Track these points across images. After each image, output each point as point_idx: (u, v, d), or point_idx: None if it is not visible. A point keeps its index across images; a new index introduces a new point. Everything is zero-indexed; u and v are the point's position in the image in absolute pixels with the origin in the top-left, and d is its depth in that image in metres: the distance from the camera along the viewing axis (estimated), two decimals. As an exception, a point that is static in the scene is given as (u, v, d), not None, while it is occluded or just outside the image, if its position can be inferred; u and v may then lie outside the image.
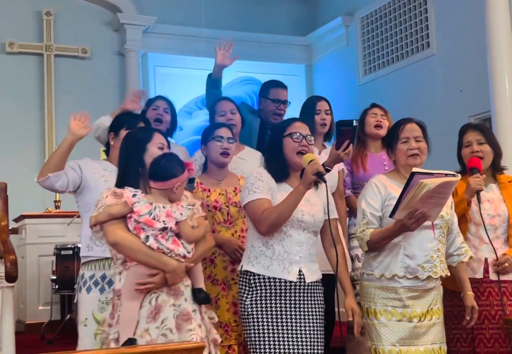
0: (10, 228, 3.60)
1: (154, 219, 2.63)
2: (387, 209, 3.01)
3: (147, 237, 2.62)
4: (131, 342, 2.54)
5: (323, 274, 3.63)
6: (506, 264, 3.26)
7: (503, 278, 3.29)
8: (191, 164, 2.79)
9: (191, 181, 3.31)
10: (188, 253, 2.70)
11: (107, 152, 3.35)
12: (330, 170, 3.55)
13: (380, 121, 4.04)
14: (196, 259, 2.75)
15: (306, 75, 9.66)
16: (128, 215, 2.64)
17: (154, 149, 2.81)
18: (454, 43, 7.15)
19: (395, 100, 7.76)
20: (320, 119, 3.94)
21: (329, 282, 3.74)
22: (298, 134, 2.99)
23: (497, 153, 3.45)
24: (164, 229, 2.65)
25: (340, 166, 3.90)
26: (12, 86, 8.00)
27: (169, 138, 4.19)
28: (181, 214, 2.69)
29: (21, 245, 5.83)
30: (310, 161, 2.86)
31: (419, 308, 2.99)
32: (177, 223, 2.67)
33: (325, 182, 2.85)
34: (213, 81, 4.43)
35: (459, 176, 2.93)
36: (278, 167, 3.02)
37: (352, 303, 3.02)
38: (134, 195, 2.66)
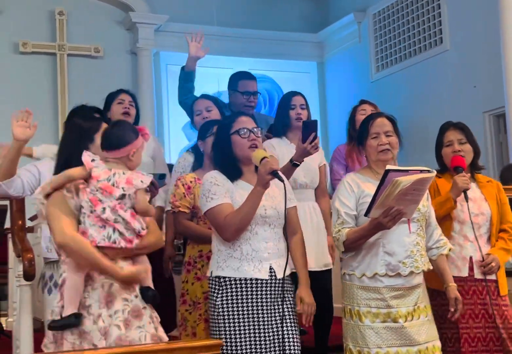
0: (26, 226, 3.62)
1: (113, 185, 2.54)
2: (362, 206, 2.96)
3: (104, 209, 2.52)
4: (75, 316, 2.46)
5: (320, 270, 3.64)
6: (493, 264, 3.22)
7: (487, 277, 3.24)
8: (144, 129, 2.70)
9: (161, 177, 3.24)
10: (143, 230, 2.60)
11: None
12: (298, 165, 3.50)
13: None
14: (143, 247, 2.63)
15: (318, 72, 9.64)
16: (82, 186, 2.53)
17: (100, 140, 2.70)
18: (467, 38, 7.11)
19: (408, 96, 7.73)
20: (295, 114, 3.89)
21: (326, 277, 3.74)
22: (245, 130, 2.91)
23: (477, 153, 3.41)
24: (122, 197, 2.55)
25: (321, 161, 3.85)
26: (26, 86, 8.04)
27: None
28: (141, 181, 2.60)
29: (37, 244, 5.84)
30: (262, 159, 2.78)
31: (404, 308, 2.93)
32: (135, 193, 2.58)
33: (281, 180, 2.78)
34: (187, 74, 4.41)
35: (435, 172, 2.88)
36: (230, 166, 2.94)
37: (302, 292, 2.92)
38: (92, 160, 2.57)
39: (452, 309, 3.05)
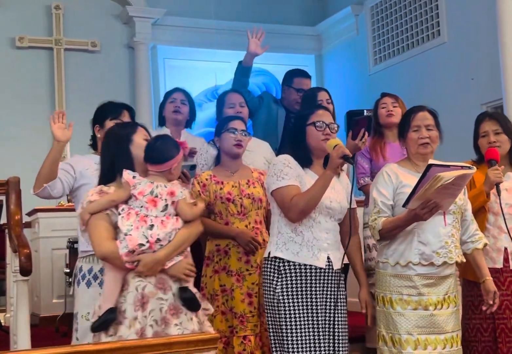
0: (23, 222, 3.61)
1: (156, 197, 2.60)
2: (399, 197, 3.01)
3: (151, 226, 2.57)
4: (111, 311, 2.50)
5: None
6: None
7: None
8: (184, 143, 2.77)
9: (192, 168, 3.32)
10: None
11: (93, 145, 3.32)
12: (348, 158, 3.57)
13: (391, 110, 4.05)
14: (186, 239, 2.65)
15: (316, 65, 9.62)
16: (127, 211, 2.59)
17: (140, 140, 2.73)
18: (465, 30, 7.09)
19: (406, 89, 7.71)
20: None
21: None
22: (321, 122, 3.01)
23: None
24: (165, 208, 2.61)
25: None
26: (23, 80, 8.02)
27: (187, 130, 4.23)
28: (181, 192, 2.67)
29: (34, 239, 5.86)
30: (335, 146, 2.86)
31: (435, 296, 2.98)
32: (173, 203, 2.64)
33: (352, 164, 2.89)
34: (243, 69, 4.42)
35: (475, 169, 2.91)
36: (302, 155, 3.04)
37: (365, 294, 3.05)
38: (134, 177, 2.63)
39: (491, 302, 3.08)
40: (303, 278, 2.92)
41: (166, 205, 2.62)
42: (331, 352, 2.94)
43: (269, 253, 2.99)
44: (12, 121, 7.85)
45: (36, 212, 5.89)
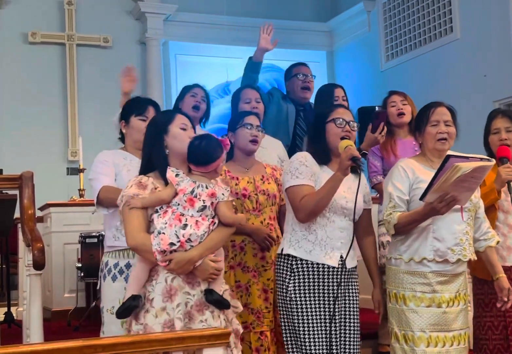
0: (36, 216, 3.63)
1: (196, 197, 2.60)
2: (415, 192, 2.98)
3: (185, 225, 2.57)
4: (134, 298, 2.52)
5: None
6: None
7: None
8: (226, 140, 2.74)
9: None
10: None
11: (122, 140, 3.34)
12: (366, 153, 3.65)
13: (401, 109, 4.02)
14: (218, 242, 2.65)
15: (328, 61, 9.61)
16: (164, 209, 2.60)
17: (176, 130, 2.72)
18: (477, 27, 7.06)
19: (418, 86, 7.69)
20: None
21: None
22: (341, 120, 3.00)
23: None
24: (203, 208, 2.61)
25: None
26: (35, 76, 8.06)
27: (201, 128, 4.23)
28: (222, 194, 2.66)
29: (46, 233, 5.88)
30: (346, 147, 2.85)
31: (448, 293, 2.97)
32: (212, 204, 2.63)
33: (359, 166, 2.87)
34: (253, 65, 4.41)
35: (494, 161, 2.87)
36: (320, 151, 3.03)
37: (378, 295, 3.07)
38: (177, 175, 2.63)
39: (505, 299, 3.06)
40: (316, 276, 2.93)
41: (204, 206, 2.61)
42: (343, 348, 2.95)
43: (282, 250, 3.00)
44: (25, 116, 7.89)
45: (48, 206, 5.91)
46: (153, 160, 2.71)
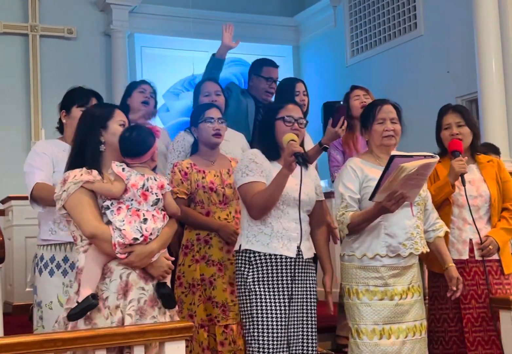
0: (-4, 209, 3.58)
1: (147, 190, 2.57)
2: (365, 190, 3.04)
3: (145, 220, 2.55)
4: (93, 297, 2.43)
5: None
6: (491, 247, 3.28)
7: (488, 257, 3.32)
8: (155, 127, 2.75)
9: None
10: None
11: (60, 130, 3.26)
12: (328, 148, 3.69)
13: (365, 102, 4.07)
14: (164, 240, 2.63)
15: (294, 56, 9.63)
16: (116, 206, 2.54)
17: (116, 126, 2.65)
18: (441, 24, 7.14)
19: (382, 81, 7.75)
20: (300, 100, 3.98)
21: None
22: (290, 117, 3.03)
23: (476, 134, 3.46)
24: (157, 202, 2.59)
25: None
26: (-3, 67, 7.92)
27: (151, 121, 4.20)
28: (168, 184, 2.66)
29: (8, 227, 5.81)
30: (288, 142, 2.86)
31: (400, 286, 3.03)
32: (162, 196, 2.62)
33: (299, 163, 2.85)
34: (216, 62, 4.43)
35: (438, 157, 2.95)
36: (270, 148, 3.06)
37: (328, 280, 3.12)
38: (123, 169, 2.57)
39: (454, 288, 3.12)
40: (274, 267, 2.95)
41: (158, 199, 2.59)
42: (301, 340, 2.98)
43: (240, 246, 3.01)
44: (-14, 108, 7.75)
45: (10, 199, 5.84)
46: (85, 155, 2.60)
